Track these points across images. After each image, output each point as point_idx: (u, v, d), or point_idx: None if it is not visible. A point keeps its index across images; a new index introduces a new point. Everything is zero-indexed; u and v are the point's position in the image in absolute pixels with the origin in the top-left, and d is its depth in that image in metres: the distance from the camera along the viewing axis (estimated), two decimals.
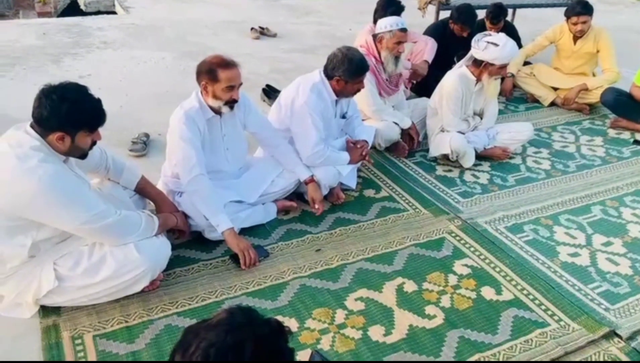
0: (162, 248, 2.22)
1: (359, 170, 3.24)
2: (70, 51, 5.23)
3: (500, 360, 2.02)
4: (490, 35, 3.28)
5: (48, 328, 2.05)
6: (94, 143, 2.03)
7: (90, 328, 2.06)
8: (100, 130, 2.04)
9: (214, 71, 2.41)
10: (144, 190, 2.44)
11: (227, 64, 2.44)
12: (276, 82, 4.51)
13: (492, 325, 2.17)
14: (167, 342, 2.03)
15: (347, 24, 6.62)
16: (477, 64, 3.30)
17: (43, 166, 1.85)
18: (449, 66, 4.13)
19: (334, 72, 2.82)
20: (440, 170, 3.41)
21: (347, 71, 2.79)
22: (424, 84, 4.22)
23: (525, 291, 2.36)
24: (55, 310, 2.12)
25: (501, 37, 3.22)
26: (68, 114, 1.86)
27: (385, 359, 2.00)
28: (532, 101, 4.57)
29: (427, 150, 3.56)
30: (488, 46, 3.19)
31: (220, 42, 5.72)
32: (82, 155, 2.03)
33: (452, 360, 2.01)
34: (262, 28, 6.06)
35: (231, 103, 2.49)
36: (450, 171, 3.40)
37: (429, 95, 3.90)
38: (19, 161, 1.84)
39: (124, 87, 4.41)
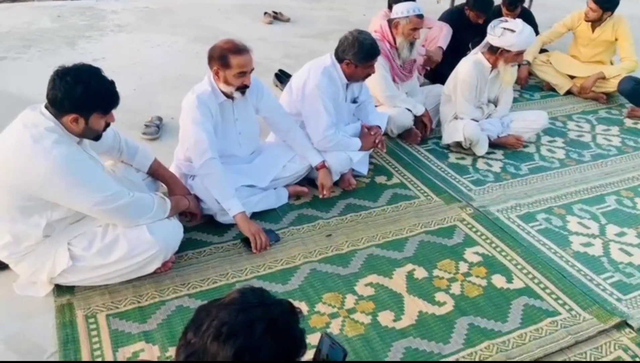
0: (175, 230, 2.23)
1: (370, 156, 3.23)
2: (84, 34, 5.24)
3: (510, 347, 2.01)
4: (506, 21, 3.23)
5: (62, 306, 2.08)
6: (107, 125, 2.04)
7: (103, 308, 2.10)
8: (114, 112, 2.05)
9: (226, 57, 2.40)
10: (156, 172, 2.46)
11: (239, 49, 2.43)
12: (289, 68, 4.48)
13: (502, 313, 2.17)
14: (178, 323, 2.05)
15: (360, 10, 6.55)
16: (493, 50, 3.25)
17: (57, 147, 1.87)
18: (463, 53, 4.08)
19: (344, 55, 2.80)
20: (452, 158, 3.38)
21: (357, 54, 2.77)
22: (437, 71, 4.18)
23: (536, 280, 2.35)
24: (70, 289, 2.16)
25: (518, 24, 3.17)
26: (82, 96, 1.87)
27: (394, 344, 2.01)
28: (547, 89, 4.50)
29: (440, 137, 3.54)
30: (504, 32, 3.14)
31: (233, 26, 5.69)
32: (96, 137, 2.05)
33: (461, 347, 2.01)
34: (276, 13, 6.02)
35: (243, 89, 2.49)
36: (463, 158, 3.37)
37: (442, 82, 3.86)
38: (33, 141, 1.86)
39: (137, 70, 4.42)
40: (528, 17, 4.52)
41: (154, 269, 2.20)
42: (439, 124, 3.64)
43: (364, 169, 3.09)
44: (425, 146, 3.50)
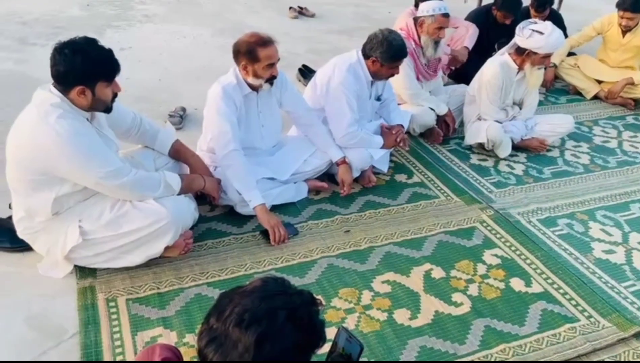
0: (186, 205, 2.26)
1: (391, 154, 3.22)
2: (112, 23, 5.32)
3: (526, 351, 2.00)
4: (535, 22, 3.19)
5: (84, 289, 2.13)
6: (115, 95, 2.05)
7: (124, 292, 2.13)
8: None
9: (254, 51, 2.42)
10: (179, 152, 2.48)
11: (265, 42, 2.44)
12: (312, 63, 4.49)
13: (519, 317, 2.15)
14: (196, 310, 2.08)
15: (386, 7, 6.52)
16: (520, 52, 3.21)
17: (60, 122, 1.90)
18: (489, 53, 4.04)
19: (371, 52, 2.79)
20: (474, 159, 3.36)
21: (384, 53, 2.76)
22: (462, 71, 4.15)
23: (555, 285, 2.33)
24: (92, 273, 2.20)
25: (547, 26, 3.12)
26: (83, 66, 1.89)
27: (409, 342, 2.01)
28: (574, 93, 4.43)
29: (463, 138, 3.51)
30: (533, 33, 3.10)
31: (259, 19, 5.72)
32: (106, 108, 2.06)
33: (477, 348, 2.00)
34: (301, 8, 6.03)
35: (271, 80, 2.51)
36: (485, 160, 3.35)
37: (467, 82, 3.83)
38: (39, 117, 1.91)
39: (163, 61, 4.47)
40: (557, 19, 4.46)
41: (167, 243, 2.18)
42: (461, 124, 3.61)
43: (384, 166, 3.08)
44: (447, 146, 3.48)
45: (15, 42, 4.72)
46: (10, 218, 2.42)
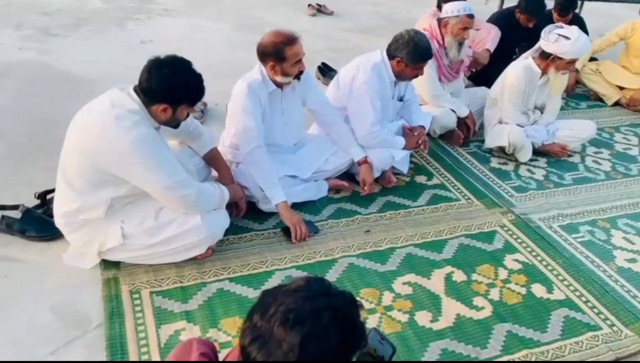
0: (223, 220, 2.28)
1: (411, 155, 3.22)
2: (132, 16, 5.35)
3: (548, 358, 1.99)
4: (561, 27, 3.16)
5: (109, 280, 2.15)
6: (188, 115, 2.12)
7: (147, 285, 2.15)
8: None
9: (281, 50, 2.42)
10: (213, 158, 2.51)
11: (291, 40, 2.44)
12: (332, 61, 4.49)
13: (541, 323, 2.14)
14: (219, 305, 2.09)
15: (404, 7, 6.50)
16: (545, 56, 3.18)
17: (137, 128, 1.94)
18: (509, 56, 4.02)
19: (396, 52, 2.78)
20: (494, 162, 3.34)
21: (410, 54, 2.75)
22: (482, 73, 4.12)
23: (577, 293, 2.31)
24: (116, 265, 2.22)
25: (573, 31, 3.10)
26: (176, 89, 1.98)
27: (431, 345, 2.01)
28: (594, 98, 4.39)
29: (483, 141, 3.50)
30: (559, 38, 3.08)
31: (277, 16, 5.72)
32: (176, 125, 2.15)
33: (499, 353, 1.99)
34: (319, 5, 6.02)
35: (299, 75, 2.51)
36: (505, 164, 3.33)
37: (487, 84, 3.82)
38: (116, 120, 1.93)
39: (183, 55, 4.47)
40: (579, 24, 4.40)
41: (197, 254, 2.24)
42: (481, 127, 3.60)
43: (404, 167, 3.07)
44: (467, 149, 3.47)
45: (38, 32, 4.76)
46: (36, 207, 2.45)
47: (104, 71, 3.98)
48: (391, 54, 2.81)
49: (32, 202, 2.47)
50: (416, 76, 2.88)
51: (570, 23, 4.14)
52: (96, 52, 4.45)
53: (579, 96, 4.42)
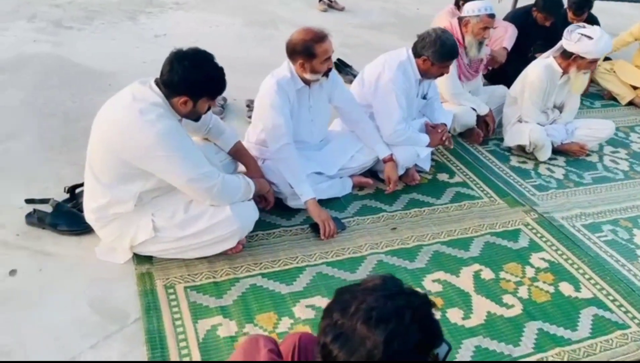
0: (253, 212, 2.28)
1: (432, 153, 3.23)
2: (144, 9, 5.32)
3: (581, 356, 2.02)
4: (584, 27, 3.17)
5: (142, 275, 2.16)
6: (209, 108, 2.12)
7: (181, 280, 2.16)
8: None
9: (310, 48, 2.43)
10: (238, 152, 2.51)
11: (321, 37, 2.45)
12: (345, 57, 4.49)
13: (571, 321, 2.17)
14: (253, 301, 2.11)
15: (414, 3, 6.50)
16: (566, 55, 3.20)
17: (161, 121, 1.94)
18: (525, 55, 4.04)
19: (422, 50, 2.79)
20: (514, 161, 3.36)
21: (436, 52, 2.76)
22: (498, 72, 4.13)
23: (604, 292, 2.34)
24: (148, 259, 2.23)
25: (596, 30, 3.12)
26: (197, 81, 1.97)
27: (464, 342, 2.03)
28: (608, 98, 4.42)
29: (501, 139, 3.52)
30: (582, 38, 3.09)
31: (289, 11, 5.70)
32: (197, 118, 2.14)
33: (532, 351, 2.02)
34: (330, 1, 6.00)
35: (328, 73, 2.52)
36: (524, 162, 3.35)
37: (503, 83, 3.85)
38: (140, 113, 1.93)
39: None
40: (593, 23, 4.43)
41: (228, 247, 2.25)
42: (500, 125, 3.61)
43: (426, 165, 3.09)
44: (486, 147, 3.49)
45: (51, 25, 4.72)
46: (66, 201, 2.46)
47: (121, 65, 3.97)
48: (417, 52, 2.82)
49: (61, 196, 2.48)
50: (441, 75, 2.90)
51: (585, 22, 4.16)
52: (110, 45, 4.43)
53: (592, 95, 4.44)
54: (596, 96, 4.43)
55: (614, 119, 4.04)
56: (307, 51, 2.43)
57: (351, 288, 1.01)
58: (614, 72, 4.39)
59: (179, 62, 1.95)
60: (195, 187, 2.06)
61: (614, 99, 4.39)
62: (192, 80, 1.96)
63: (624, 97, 4.34)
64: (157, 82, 2.01)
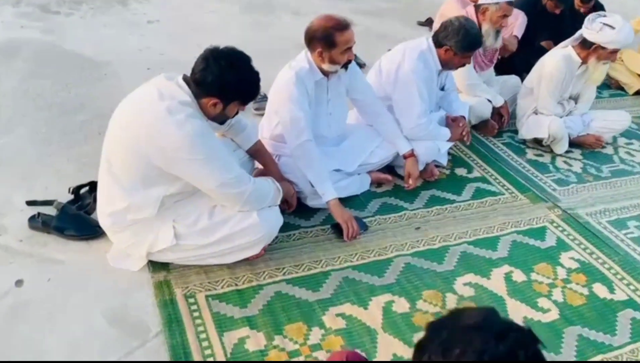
0: (278, 217, 2.14)
1: (449, 147, 3.12)
2: None
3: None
4: (605, 16, 3.07)
5: (160, 283, 2.01)
6: (237, 112, 1.97)
7: (201, 288, 2.02)
8: None
9: (331, 35, 2.27)
10: (258, 152, 2.36)
11: (343, 26, 2.30)
12: None
13: (609, 326, 2.09)
14: (280, 310, 1.98)
15: None
16: (587, 45, 3.10)
17: (191, 121, 1.78)
18: (532, 43, 3.94)
19: (445, 40, 2.66)
20: (530, 154, 3.27)
21: (460, 42, 2.63)
22: (507, 61, 4.02)
23: (639, 292, 2.27)
24: (165, 266, 2.08)
25: (618, 20, 3.01)
26: (232, 84, 1.83)
27: None
28: (615, 87, 4.36)
29: (515, 131, 3.42)
30: (603, 27, 2.99)
31: None
32: (223, 121, 2.00)
33: (574, 358, 1.94)
34: None
35: (347, 64, 2.37)
36: (541, 155, 3.26)
37: (511, 72, 3.76)
38: (168, 113, 1.77)
39: (195, 37, 4.24)
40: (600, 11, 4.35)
41: (251, 254, 2.11)
42: (513, 116, 3.52)
43: (444, 159, 2.98)
44: (501, 140, 3.39)
45: (37, 9, 4.48)
46: (70, 202, 2.29)
47: (115, 53, 3.75)
48: (439, 41, 2.69)
49: (63, 196, 2.31)
50: (463, 65, 2.77)
51: (591, 11, 4.07)
52: (102, 32, 4.20)
53: (600, 84, 4.35)
54: (603, 85, 4.34)
55: (622, 109, 3.97)
56: (328, 38, 2.28)
57: (447, 323, 0.90)
58: (622, 61, 4.32)
59: (215, 61, 1.80)
60: (226, 192, 1.91)
61: (621, 88, 4.33)
62: (227, 81, 1.82)
63: (632, 86, 4.28)
64: (185, 79, 1.85)
